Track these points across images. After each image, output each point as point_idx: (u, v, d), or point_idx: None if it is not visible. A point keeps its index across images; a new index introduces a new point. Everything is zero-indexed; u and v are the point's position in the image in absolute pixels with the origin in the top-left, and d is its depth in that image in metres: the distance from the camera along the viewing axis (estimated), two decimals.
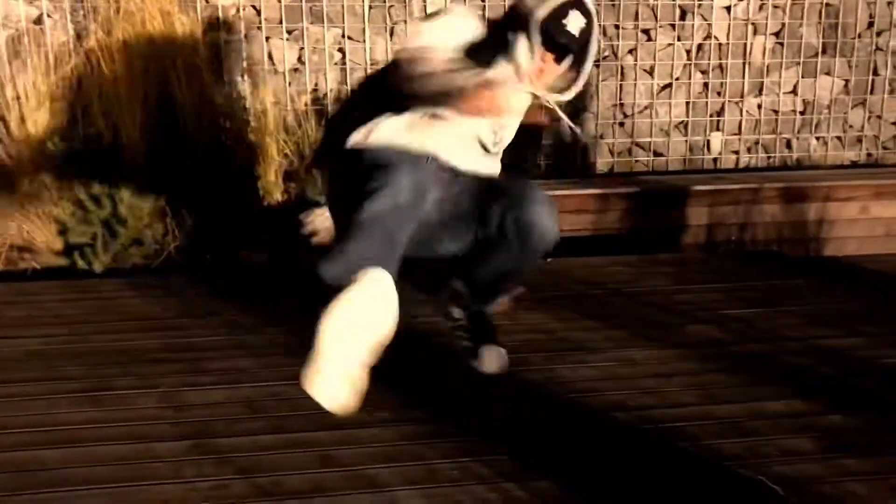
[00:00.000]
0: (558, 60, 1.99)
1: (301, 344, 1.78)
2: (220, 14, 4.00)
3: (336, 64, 4.19)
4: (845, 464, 1.76)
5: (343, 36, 4.16)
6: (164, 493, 1.72)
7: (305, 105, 4.15)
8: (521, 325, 2.56)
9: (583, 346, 2.42)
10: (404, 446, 1.88)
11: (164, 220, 3.49)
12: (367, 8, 4.14)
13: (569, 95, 2.05)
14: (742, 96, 4.52)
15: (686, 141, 4.54)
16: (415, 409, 2.06)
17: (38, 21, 3.91)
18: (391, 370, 1.89)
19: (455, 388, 2.17)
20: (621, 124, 4.46)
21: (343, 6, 4.12)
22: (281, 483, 1.74)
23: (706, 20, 4.40)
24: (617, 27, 4.34)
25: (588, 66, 2.03)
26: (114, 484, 1.75)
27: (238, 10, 4.06)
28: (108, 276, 3.25)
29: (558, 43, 1.96)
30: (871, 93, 4.60)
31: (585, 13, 1.97)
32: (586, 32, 1.98)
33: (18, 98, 3.69)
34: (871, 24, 4.52)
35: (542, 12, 1.94)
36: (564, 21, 1.94)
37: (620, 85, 4.42)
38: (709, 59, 4.45)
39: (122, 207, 3.34)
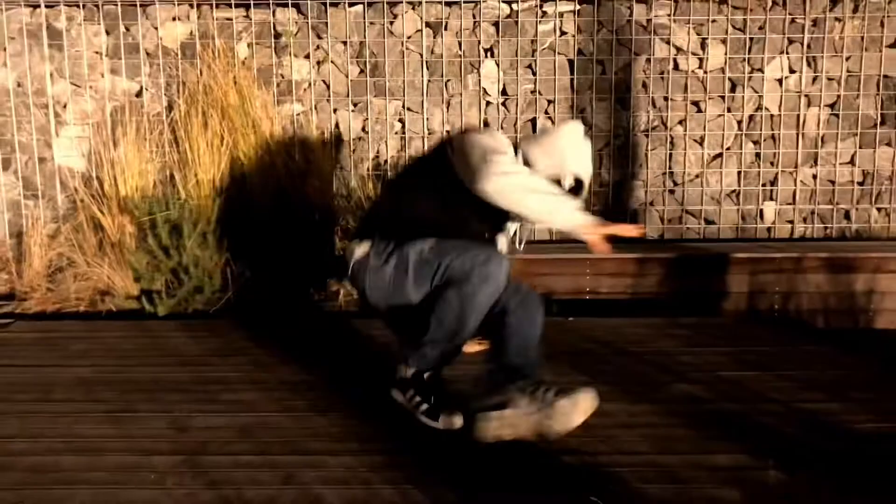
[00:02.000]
0: None
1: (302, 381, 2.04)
2: (293, 88, 4.45)
3: (396, 133, 4.54)
4: None
5: (403, 107, 4.52)
6: (144, 495, 2.00)
7: (368, 170, 4.51)
8: None
9: None
10: (358, 472, 2.08)
11: (225, 271, 3.87)
12: (425, 82, 4.49)
13: None
14: (796, 166, 4.54)
15: (738, 209, 4.58)
16: (382, 442, 2.26)
17: (139, 94, 4.48)
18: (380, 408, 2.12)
19: (424, 429, 2.36)
20: (671, 191, 4.56)
21: (403, 81, 4.49)
22: (242, 495, 1.99)
23: (756, 92, 4.48)
24: (666, 99, 4.49)
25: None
26: (108, 485, 2.05)
27: (309, 85, 4.49)
28: (169, 318, 3.64)
29: None
30: None
31: None
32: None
33: (113, 162, 4.23)
34: None
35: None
36: None
37: (670, 154, 4.54)
38: (760, 130, 4.51)
39: (187, 258, 3.75)
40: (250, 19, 4.47)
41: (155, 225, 3.78)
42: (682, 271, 4.05)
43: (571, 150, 2.52)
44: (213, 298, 3.85)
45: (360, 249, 2.47)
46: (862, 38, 4.42)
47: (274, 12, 4.47)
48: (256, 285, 3.92)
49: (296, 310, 3.76)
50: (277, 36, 4.48)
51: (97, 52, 4.49)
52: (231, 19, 4.46)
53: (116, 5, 4.43)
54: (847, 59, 4.45)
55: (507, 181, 2.26)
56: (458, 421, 2.30)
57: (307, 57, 4.51)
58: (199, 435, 2.35)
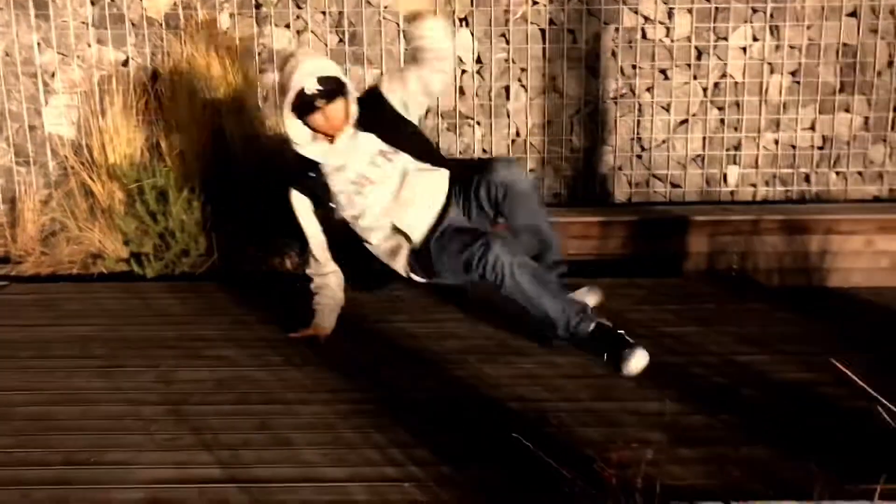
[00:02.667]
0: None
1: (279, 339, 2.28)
2: (274, 57, 4.61)
3: None
4: (678, 451, 2.07)
5: (381, 75, 4.68)
6: (130, 439, 2.23)
7: None
8: (475, 332, 2.95)
9: (517, 351, 2.78)
10: (325, 418, 2.32)
11: (210, 235, 4.06)
12: (402, 51, 4.65)
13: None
14: (759, 132, 4.73)
15: (703, 173, 4.77)
16: (351, 392, 2.49)
17: (125, 64, 4.63)
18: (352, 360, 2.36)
19: (389, 379, 2.59)
20: (639, 157, 4.76)
21: (381, 49, 4.64)
22: (219, 439, 2.22)
23: (721, 60, 4.65)
24: (634, 67, 4.66)
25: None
26: (97, 431, 2.28)
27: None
28: (157, 280, 3.86)
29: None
30: (893, 129, 4.71)
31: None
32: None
33: (102, 131, 4.40)
34: (891, 64, 4.64)
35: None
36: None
37: (638, 120, 4.72)
38: (725, 97, 4.69)
39: (173, 223, 3.94)
40: None
41: (142, 191, 3.96)
42: (646, 233, 4.25)
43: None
44: (199, 261, 4.06)
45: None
46: (822, 7, 4.58)
47: None
48: (239, 248, 4.12)
49: (275, 272, 3.96)
50: (258, 6, 4.62)
51: (83, 23, 4.63)
52: None
53: None
54: (808, 27, 4.61)
55: None
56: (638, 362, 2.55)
57: (287, 27, 4.66)
58: (182, 387, 2.58)
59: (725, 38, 4.63)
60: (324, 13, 4.65)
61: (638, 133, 4.74)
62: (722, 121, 4.73)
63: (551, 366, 2.63)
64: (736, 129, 4.74)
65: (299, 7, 4.64)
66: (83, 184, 4.38)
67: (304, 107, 2.68)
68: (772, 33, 4.63)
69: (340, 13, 4.64)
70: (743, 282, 3.98)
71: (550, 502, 1.80)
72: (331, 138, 2.79)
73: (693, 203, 4.70)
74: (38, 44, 4.62)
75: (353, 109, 2.78)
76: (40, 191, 4.60)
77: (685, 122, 4.74)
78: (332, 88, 2.70)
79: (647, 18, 4.63)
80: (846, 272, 4.21)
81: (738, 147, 4.76)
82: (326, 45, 4.65)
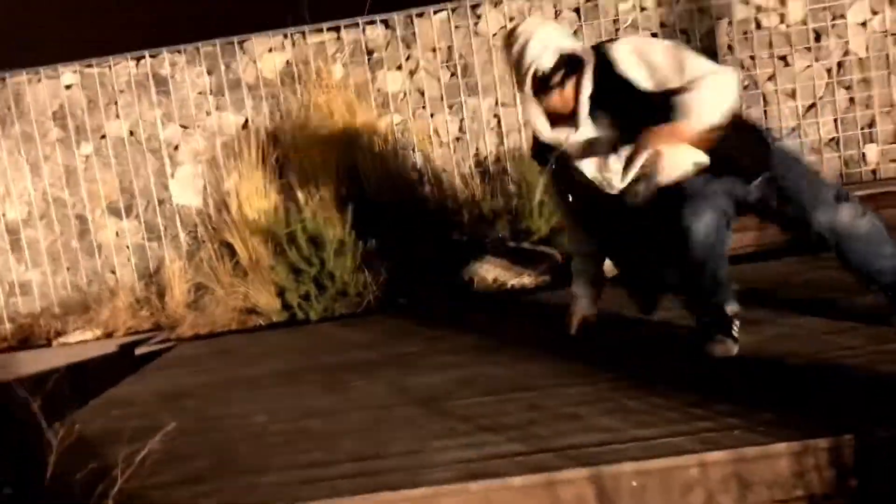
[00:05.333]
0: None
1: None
2: (390, 100, 4.61)
3: (492, 129, 4.68)
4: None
5: (496, 103, 4.66)
6: (404, 433, 2.08)
7: (470, 168, 4.64)
8: None
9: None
10: (597, 392, 2.17)
11: (363, 273, 3.98)
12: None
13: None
14: (893, 105, 4.59)
15: (840, 156, 4.63)
16: (604, 372, 2.34)
17: (245, 126, 4.67)
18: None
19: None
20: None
21: (495, 76, 4.64)
22: (501, 421, 2.07)
23: (842, 38, 4.56)
24: (752, 58, 4.59)
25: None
26: (366, 432, 2.14)
27: (405, 95, 4.66)
28: (321, 322, 3.76)
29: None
30: None
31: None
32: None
33: (233, 191, 4.41)
34: None
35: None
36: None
37: (765, 111, 4.61)
38: (851, 75, 4.58)
39: (329, 265, 3.87)
40: (342, 40, 4.66)
41: (294, 238, 3.91)
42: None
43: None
44: (355, 301, 3.96)
45: None
46: None
47: (364, 30, 4.65)
48: (393, 284, 4.03)
49: (439, 298, 3.85)
50: (370, 52, 4.66)
51: (201, 93, 4.70)
52: (324, 42, 4.65)
53: (215, 45, 4.65)
54: None
55: None
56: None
57: (399, 68, 4.68)
58: (423, 391, 2.44)
59: (843, 16, 4.56)
60: (434, 50, 4.67)
61: (766, 124, 4.63)
62: (852, 99, 4.61)
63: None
64: (867, 106, 4.61)
65: (409, 48, 4.67)
66: (222, 243, 4.35)
67: (539, 88, 2.34)
68: (891, 3, 4.55)
69: (450, 48, 4.67)
70: None
71: None
72: (571, 120, 2.40)
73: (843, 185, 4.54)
74: (161, 119, 4.69)
75: (588, 84, 2.34)
76: (175, 262, 4.58)
77: (813, 106, 4.62)
78: (568, 63, 2.33)
79: (759, 8, 4.58)
80: None
81: (872, 125, 4.62)
82: (440, 81, 4.66)
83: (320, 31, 4.65)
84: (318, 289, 3.92)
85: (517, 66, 2.36)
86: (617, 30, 4.60)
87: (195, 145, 4.70)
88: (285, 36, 4.66)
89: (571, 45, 2.38)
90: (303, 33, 4.66)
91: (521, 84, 2.38)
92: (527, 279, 3.84)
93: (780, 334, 2.41)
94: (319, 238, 3.95)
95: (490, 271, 3.89)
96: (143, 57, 4.67)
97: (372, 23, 4.66)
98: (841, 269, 2.35)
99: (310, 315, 3.83)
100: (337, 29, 4.65)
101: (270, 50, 4.66)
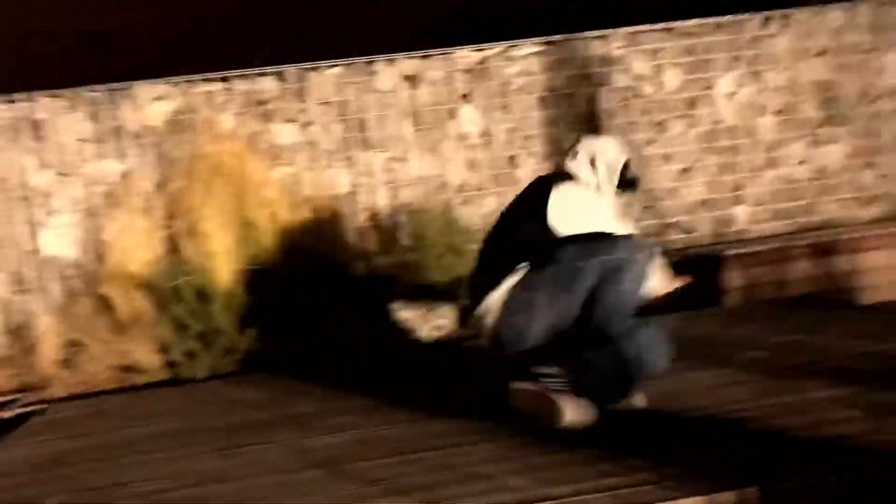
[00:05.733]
0: None
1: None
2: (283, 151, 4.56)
3: (386, 183, 4.69)
4: None
5: (391, 159, 4.69)
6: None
7: (363, 222, 4.62)
8: None
9: None
10: (501, 450, 2.16)
11: (252, 329, 3.86)
12: (409, 132, 4.68)
13: None
14: (758, 170, 4.93)
15: (711, 217, 4.91)
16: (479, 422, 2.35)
17: (126, 175, 4.48)
18: None
19: None
20: (649, 207, 4.86)
21: (389, 132, 4.67)
22: (414, 481, 2.02)
23: (713, 107, 4.89)
24: (631, 123, 4.83)
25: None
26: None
27: (297, 147, 4.61)
28: (208, 380, 3.60)
29: None
30: (878, 154, 5.00)
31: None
32: None
33: (113, 242, 4.20)
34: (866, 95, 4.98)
35: None
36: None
37: (643, 174, 4.84)
38: (720, 142, 4.90)
39: (216, 321, 3.73)
40: (232, 90, 4.58)
41: (178, 292, 3.76)
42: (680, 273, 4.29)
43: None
44: (244, 359, 3.83)
45: None
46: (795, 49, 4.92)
47: (255, 81, 4.60)
48: (282, 340, 3.92)
49: (337, 354, 3.78)
50: (262, 103, 4.61)
51: (80, 140, 4.49)
52: (212, 92, 4.56)
53: (98, 92, 4.47)
54: (785, 69, 4.92)
55: None
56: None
57: (291, 121, 4.64)
58: (322, 454, 2.36)
59: (711, 88, 4.89)
60: (327, 104, 4.66)
61: (646, 186, 4.86)
62: (722, 164, 4.92)
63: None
64: (734, 170, 4.93)
65: (303, 101, 4.65)
66: (98, 297, 4.13)
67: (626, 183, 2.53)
68: (754, 77, 4.91)
69: (343, 102, 4.67)
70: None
71: None
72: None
73: (715, 244, 4.80)
74: (35, 165, 4.43)
75: None
76: (45, 316, 4.30)
77: (687, 169, 4.90)
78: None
79: (638, 76, 4.85)
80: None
81: (739, 188, 4.93)
82: (333, 135, 4.64)
83: (210, 80, 4.56)
84: (205, 345, 3.77)
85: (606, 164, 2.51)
86: (505, 92, 4.75)
87: (74, 193, 4.46)
88: (173, 84, 4.54)
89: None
90: (191, 82, 4.55)
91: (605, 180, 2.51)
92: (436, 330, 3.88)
93: (673, 390, 2.50)
94: (206, 292, 3.80)
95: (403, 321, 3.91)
96: (13, 101, 4.43)
97: (264, 74, 4.61)
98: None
99: (196, 373, 3.66)
100: (224, 78, 4.57)
101: (158, 98, 4.52)
